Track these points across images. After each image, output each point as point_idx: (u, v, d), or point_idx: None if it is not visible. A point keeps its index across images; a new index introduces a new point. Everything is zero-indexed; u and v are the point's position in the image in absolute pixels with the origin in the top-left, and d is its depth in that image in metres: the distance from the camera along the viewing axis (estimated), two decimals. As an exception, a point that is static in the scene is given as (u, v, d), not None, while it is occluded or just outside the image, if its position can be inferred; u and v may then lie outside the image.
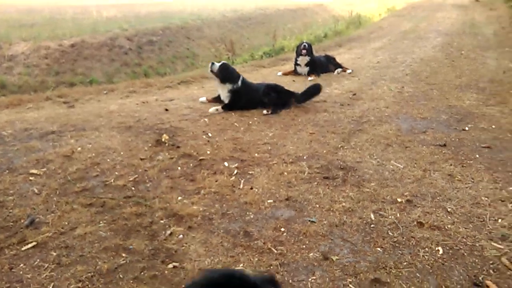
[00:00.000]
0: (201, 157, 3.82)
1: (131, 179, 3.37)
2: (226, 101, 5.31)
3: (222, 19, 18.11)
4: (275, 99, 5.31)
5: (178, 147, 4.04)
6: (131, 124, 4.65)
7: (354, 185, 3.27)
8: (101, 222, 2.77)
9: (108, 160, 3.70)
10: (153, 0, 27.87)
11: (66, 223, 2.75)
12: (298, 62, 7.47)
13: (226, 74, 5.30)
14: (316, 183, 3.33)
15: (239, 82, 5.29)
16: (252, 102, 5.37)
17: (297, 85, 6.65)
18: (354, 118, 4.89)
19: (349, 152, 3.93)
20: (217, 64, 5.29)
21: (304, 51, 7.31)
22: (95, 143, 4.07)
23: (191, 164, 3.69)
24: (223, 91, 5.33)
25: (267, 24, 19.44)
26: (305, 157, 3.82)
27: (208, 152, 3.94)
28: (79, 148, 3.92)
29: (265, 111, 5.16)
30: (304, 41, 8.02)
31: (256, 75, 7.77)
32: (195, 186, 3.29)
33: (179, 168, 3.61)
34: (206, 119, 4.88)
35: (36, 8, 21.21)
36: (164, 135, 4.27)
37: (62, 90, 7.47)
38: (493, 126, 4.50)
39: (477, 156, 3.76)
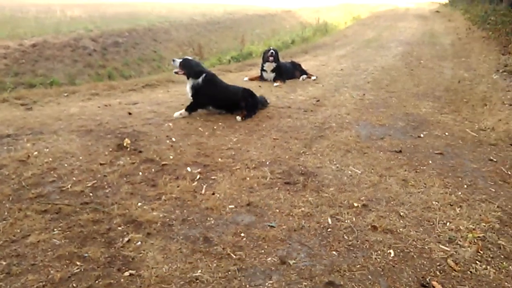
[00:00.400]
0: (163, 162, 3.79)
1: (89, 184, 3.30)
2: (189, 97, 5.24)
3: (191, 22, 18.02)
4: (251, 104, 5.31)
5: (140, 151, 4.00)
6: (92, 127, 4.56)
7: (314, 190, 3.34)
8: (55, 229, 2.69)
9: (66, 165, 3.61)
10: (120, 0, 27.35)
11: (18, 230, 2.66)
12: (264, 68, 7.55)
13: (188, 69, 5.19)
14: (277, 188, 3.38)
15: (200, 79, 5.13)
16: (221, 103, 5.29)
17: (263, 91, 6.72)
18: (316, 124, 5.00)
19: (310, 157, 4.01)
20: (178, 60, 5.24)
21: (271, 58, 7.41)
22: (53, 147, 3.95)
23: (153, 169, 3.66)
24: (187, 87, 5.25)
25: (236, 29, 19.52)
26: (267, 163, 3.87)
27: (171, 157, 3.92)
28: (35, 153, 3.80)
29: (239, 117, 5.11)
30: (271, 47, 8.11)
31: (223, 79, 7.77)
32: (156, 192, 3.26)
33: (140, 173, 3.57)
34: (170, 124, 4.85)
35: (-5, 5, 20.32)
36: (126, 139, 4.20)
37: (21, 91, 7.21)
38: (446, 133, 4.73)
39: (430, 162, 3.93)
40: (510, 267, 2.45)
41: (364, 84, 7.27)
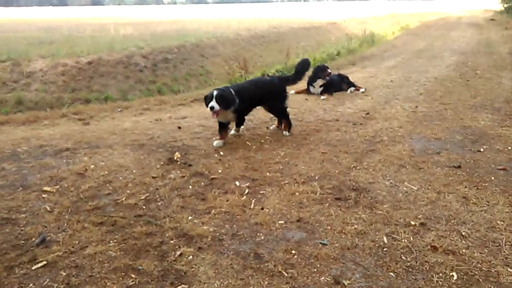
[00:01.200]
0: (212, 176, 3.82)
1: (142, 197, 3.39)
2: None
3: (236, 37, 18.34)
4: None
5: (190, 165, 4.06)
6: (144, 142, 4.70)
7: (367, 207, 3.22)
8: (111, 241, 2.77)
9: (120, 178, 3.73)
10: (168, 18, 28.47)
11: (77, 242, 2.76)
12: (313, 84, 7.45)
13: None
14: (328, 204, 3.29)
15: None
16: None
17: (310, 104, 6.67)
18: (367, 138, 4.85)
19: (361, 172, 3.88)
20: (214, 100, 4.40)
21: (327, 77, 7.32)
22: (108, 160, 4.11)
23: (202, 183, 3.70)
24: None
25: (280, 42, 19.62)
26: (317, 177, 3.79)
27: (220, 171, 3.94)
28: (92, 166, 3.96)
29: (286, 132, 5.03)
30: (324, 64, 7.96)
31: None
32: (205, 206, 3.28)
33: (190, 187, 3.61)
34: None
35: (55, 25, 21.87)
36: (176, 153, 4.29)
37: (78, 107, 7.63)
38: (509, 148, 4.41)
39: (493, 178, 3.67)
40: None
41: (417, 96, 7.00)
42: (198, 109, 6.67)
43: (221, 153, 4.40)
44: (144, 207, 3.24)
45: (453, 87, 7.64)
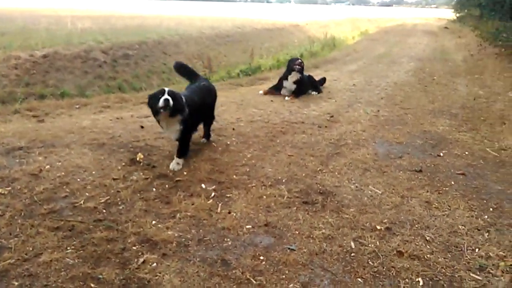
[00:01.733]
0: (177, 178, 3.70)
1: (102, 200, 3.21)
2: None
3: (200, 35, 18.07)
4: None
5: (154, 166, 3.91)
6: (104, 141, 4.48)
7: (334, 211, 3.22)
8: (68, 248, 2.59)
9: (79, 179, 3.52)
10: (129, 13, 27.65)
11: (31, 248, 2.57)
12: (288, 78, 7.27)
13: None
14: (295, 208, 3.27)
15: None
16: None
17: (275, 105, 6.66)
18: (332, 141, 4.89)
19: (327, 176, 3.90)
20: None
21: (298, 67, 7.12)
22: (65, 161, 3.88)
23: (166, 186, 3.56)
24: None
25: (244, 43, 19.56)
26: (284, 180, 3.76)
27: (185, 173, 3.82)
28: (47, 166, 3.72)
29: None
30: (298, 57, 7.83)
31: (234, 94, 7.73)
32: (170, 209, 3.16)
33: (154, 189, 3.47)
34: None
35: (9, 16, 20.59)
36: (139, 153, 4.12)
37: (32, 102, 7.18)
38: (466, 153, 4.60)
39: (453, 183, 3.80)
40: (548, 299, 2.31)
41: (378, 100, 7.17)
42: (161, 108, 6.48)
43: (186, 154, 4.27)
44: (104, 211, 3.07)
45: (412, 92, 7.90)
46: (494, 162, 4.34)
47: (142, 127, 5.09)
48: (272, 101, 6.99)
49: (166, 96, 3.59)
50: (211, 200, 3.34)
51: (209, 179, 3.74)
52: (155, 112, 3.74)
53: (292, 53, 16.79)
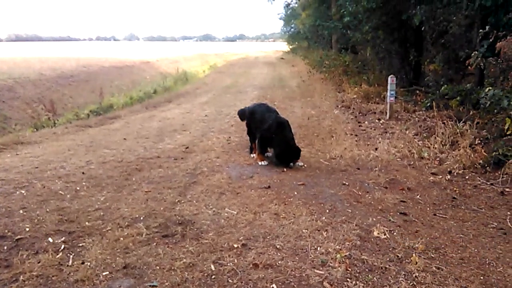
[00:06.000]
0: (18, 237, 3.30)
1: None
2: None
3: (39, 77, 16.56)
4: None
5: (-15, 229, 3.41)
6: None
7: (193, 239, 3.30)
8: None
9: None
10: None
11: None
12: None
13: None
14: (155, 243, 3.24)
15: None
16: None
17: (128, 143, 6.51)
18: (188, 171, 5.02)
19: (186, 205, 3.98)
20: None
21: None
22: None
23: (5, 247, 3.14)
24: None
25: (92, 82, 18.63)
26: (142, 218, 3.70)
27: (27, 229, 3.43)
28: None
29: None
30: None
31: (82, 136, 7.28)
32: (11, 273, 2.79)
33: (-13, 254, 3.03)
34: (23, 191, 4.29)
35: None
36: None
37: None
38: (305, 166, 5.23)
39: (295, 193, 4.28)
40: (375, 278, 2.77)
41: (229, 128, 7.63)
42: (-6, 161, 5.70)
43: (27, 208, 3.85)
44: None
45: (259, 118, 8.62)
46: (327, 170, 5.05)
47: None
48: (125, 139, 6.81)
49: None
50: (60, 254, 3.06)
51: (57, 231, 3.43)
52: None
53: (146, 89, 16.67)
